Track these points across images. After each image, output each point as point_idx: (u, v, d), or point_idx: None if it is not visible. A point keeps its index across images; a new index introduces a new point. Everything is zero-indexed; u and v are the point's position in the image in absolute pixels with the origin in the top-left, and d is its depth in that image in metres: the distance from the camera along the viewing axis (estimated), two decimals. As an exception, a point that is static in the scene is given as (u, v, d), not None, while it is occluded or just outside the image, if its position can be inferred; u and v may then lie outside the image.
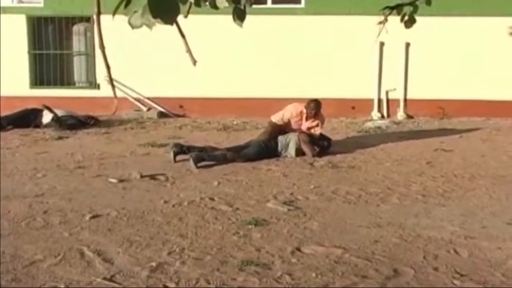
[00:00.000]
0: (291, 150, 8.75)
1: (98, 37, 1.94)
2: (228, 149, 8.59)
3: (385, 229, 5.51)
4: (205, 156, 8.24)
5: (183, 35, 2.02)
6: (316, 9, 12.24)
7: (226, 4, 2.32)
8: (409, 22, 4.65)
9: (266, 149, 8.71)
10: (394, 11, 4.60)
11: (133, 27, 2.15)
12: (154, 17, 1.97)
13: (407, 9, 4.67)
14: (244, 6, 2.57)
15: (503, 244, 5.10)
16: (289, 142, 8.80)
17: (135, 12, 2.08)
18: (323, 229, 5.51)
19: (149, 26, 2.07)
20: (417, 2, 4.57)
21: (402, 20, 4.85)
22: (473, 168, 8.02)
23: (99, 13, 1.95)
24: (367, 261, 4.72)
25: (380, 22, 4.65)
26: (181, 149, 8.41)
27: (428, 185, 7.14)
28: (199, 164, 7.96)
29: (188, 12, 2.25)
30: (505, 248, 5.01)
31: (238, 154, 8.43)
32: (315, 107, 9.04)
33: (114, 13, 2.17)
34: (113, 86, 2.00)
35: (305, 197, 6.56)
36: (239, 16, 2.59)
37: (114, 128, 11.32)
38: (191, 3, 2.27)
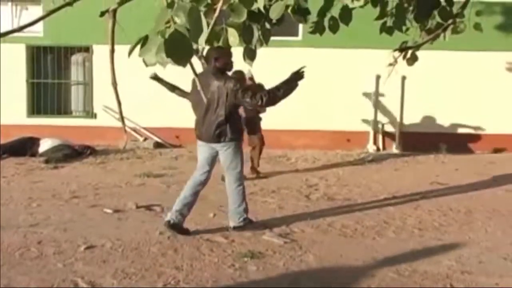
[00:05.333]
0: None
1: (112, 74, 1.96)
2: None
3: (381, 263, 5.49)
4: None
5: (195, 74, 2.05)
6: (313, 41, 12.21)
7: (238, 44, 2.35)
8: (412, 60, 4.75)
9: None
10: (396, 50, 4.72)
11: (147, 65, 2.18)
12: (168, 57, 2.00)
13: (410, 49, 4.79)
14: (255, 46, 2.61)
15: (500, 280, 5.09)
16: None
17: (149, 50, 2.11)
18: (319, 262, 5.49)
19: (163, 64, 2.10)
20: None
21: (404, 57, 4.96)
22: (468, 202, 8.01)
23: (113, 51, 1.97)
24: (363, 295, 4.70)
25: (390, 64, 4.74)
26: None
27: (424, 219, 7.13)
28: None
29: (202, 52, 2.30)
30: (502, 284, 4.99)
31: None
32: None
33: (130, 52, 2.20)
34: (123, 122, 2.02)
35: (301, 230, 6.55)
36: (249, 55, 2.64)
37: (110, 157, 11.31)
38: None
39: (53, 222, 6.74)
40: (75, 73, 13.94)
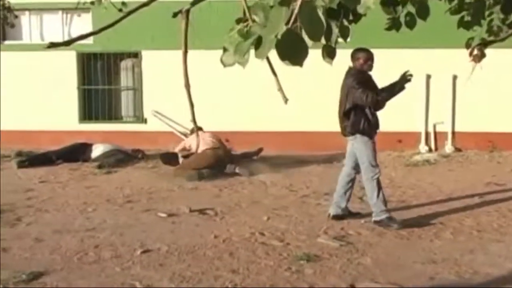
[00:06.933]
0: None
1: (184, 76, 1.92)
2: None
3: (441, 265, 5.37)
4: None
5: (275, 73, 1.99)
6: (360, 42, 12.12)
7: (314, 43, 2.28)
8: (479, 57, 4.62)
9: None
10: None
11: (225, 65, 2.12)
12: (282, 59, 1.95)
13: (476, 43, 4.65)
14: (335, 44, 2.55)
15: None
16: None
17: (227, 50, 2.06)
18: (377, 265, 5.40)
19: (242, 64, 2.04)
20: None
21: (471, 54, 4.83)
22: (528, 203, 7.80)
23: (186, 52, 1.94)
24: (424, 299, 4.60)
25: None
26: None
27: (482, 220, 6.96)
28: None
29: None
30: None
31: None
32: None
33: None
34: (195, 124, 1.99)
35: (356, 232, 6.46)
36: (329, 54, 2.57)
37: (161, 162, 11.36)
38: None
39: (109, 226, 6.81)
40: (125, 79, 14.11)
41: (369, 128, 6.73)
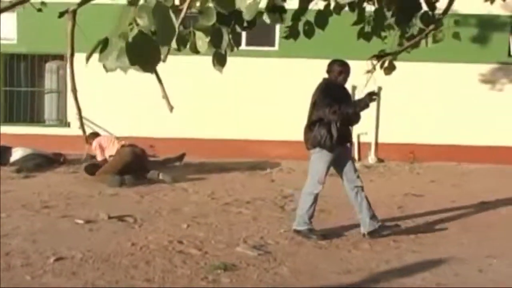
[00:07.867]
0: None
1: (71, 80, 1.86)
2: None
3: (356, 275, 5.43)
4: None
5: (160, 81, 1.94)
6: (290, 52, 12.24)
7: (207, 48, 2.24)
8: (389, 69, 4.71)
9: None
10: (373, 57, 4.68)
11: (107, 70, 2.06)
12: (133, 64, 1.87)
13: (387, 57, 4.74)
14: (225, 51, 2.51)
15: (475, 292, 5.05)
16: None
17: (110, 54, 1.98)
18: (293, 274, 5.42)
19: (124, 70, 1.97)
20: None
21: (381, 67, 4.91)
22: (444, 214, 7.98)
23: (72, 55, 1.87)
24: (337, 309, 4.63)
25: (368, 71, 4.70)
26: None
27: (399, 231, 7.08)
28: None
29: (166, 57, 2.14)
30: (477, 297, 4.96)
31: None
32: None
33: (88, 58, 2.06)
34: (84, 131, 1.92)
35: (275, 241, 6.47)
36: (220, 61, 2.53)
37: (83, 167, 11.11)
38: (169, 48, 2.17)
39: (22, 232, 6.59)
40: (49, 81, 13.76)
41: (331, 143, 6.47)
